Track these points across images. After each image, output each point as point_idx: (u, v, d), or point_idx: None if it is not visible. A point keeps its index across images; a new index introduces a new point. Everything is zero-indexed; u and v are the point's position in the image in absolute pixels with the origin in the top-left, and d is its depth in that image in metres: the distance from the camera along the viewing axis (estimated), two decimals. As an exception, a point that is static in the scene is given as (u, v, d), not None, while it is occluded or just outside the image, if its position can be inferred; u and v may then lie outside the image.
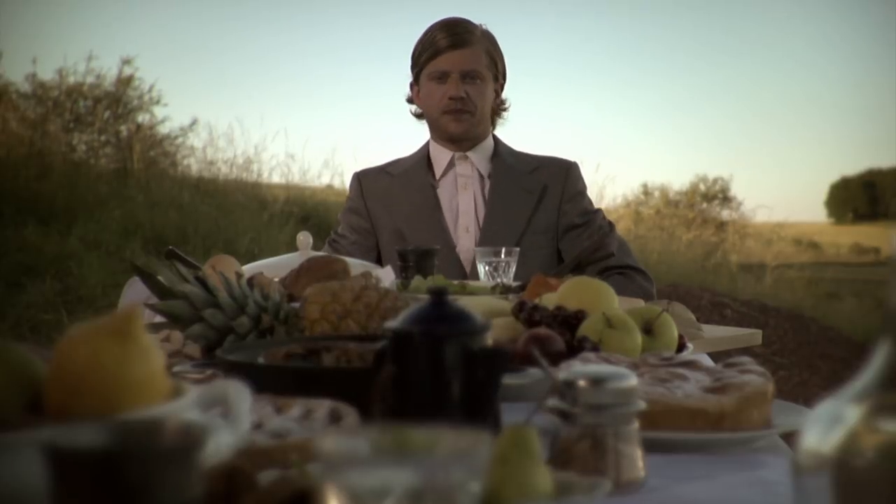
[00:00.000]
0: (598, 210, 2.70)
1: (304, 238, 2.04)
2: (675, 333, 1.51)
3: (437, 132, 2.69)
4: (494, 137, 2.75)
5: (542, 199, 2.62)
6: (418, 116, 2.75)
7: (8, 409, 0.77)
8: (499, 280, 2.18)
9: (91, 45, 15.13)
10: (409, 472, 0.58)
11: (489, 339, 0.99)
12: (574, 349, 1.34)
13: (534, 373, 1.09)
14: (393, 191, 2.69)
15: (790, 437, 0.83)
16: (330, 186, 10.40)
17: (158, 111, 10.10)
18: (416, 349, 0.96)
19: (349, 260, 1.88)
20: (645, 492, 0.94)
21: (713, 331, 1.97)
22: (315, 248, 2.09)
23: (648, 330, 1.49)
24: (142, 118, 9.98)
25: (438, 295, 0.98)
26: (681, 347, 1.53)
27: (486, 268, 2.25)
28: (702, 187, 16.34)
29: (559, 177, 2.66)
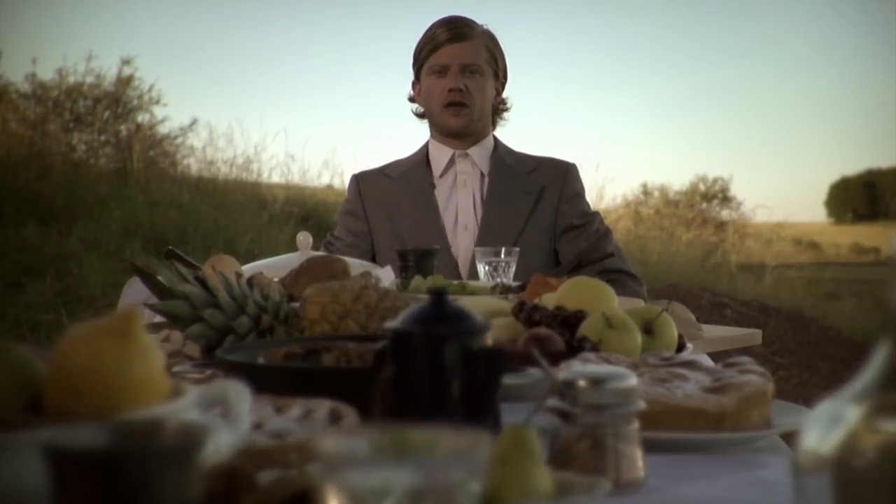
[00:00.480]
0: (596, 213, 2.70)
1: (304, 238, 2.04)
2: (675, 333, 1.51)
3: (438, 128, 2.69)
4: (494, 137, 2.75)
5: (539, 199, 2.62)
6: (420, 116, 2.76)
7: (8, 409, 0.77)
8: (498, 280, 2.18)
9: (91, 45, 15.16)
10: (409, 472, 0.58)
11: (489, 339, 0.99)
12: (574, 349, 1.34)
13: (534, 373, 1.09)
14: (391, 193, 2.69)
15: (790, 438, 0.83)
16: (330, 186, 10.41)
17: (158, 111, 10.13)
18: (415, 349, 0.96)
19: (349, 260, 1.87)
20: (645, 492, 0.94)
21: (713, 331, 1.97)
22: (314, 248, 2.09)
23: (648, 330, 1.49)
24: (141, 118, 10.00)
25: (438, 295, 0.98)
26: (681, 347, 1.53)
27: (486, 268, 2.25)
28: (701, 187, 16.36)
29: (557, 178, 2.66)
